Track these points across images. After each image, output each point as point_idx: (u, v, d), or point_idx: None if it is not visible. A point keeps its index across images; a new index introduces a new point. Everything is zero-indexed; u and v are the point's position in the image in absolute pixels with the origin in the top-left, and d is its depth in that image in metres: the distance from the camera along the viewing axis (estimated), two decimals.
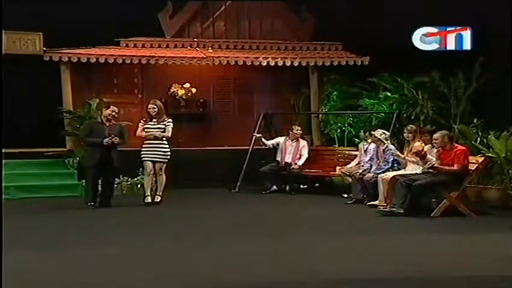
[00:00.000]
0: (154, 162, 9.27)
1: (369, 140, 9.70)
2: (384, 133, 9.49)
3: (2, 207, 7.16)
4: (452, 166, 8.09)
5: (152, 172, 9.29)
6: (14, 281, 4.87)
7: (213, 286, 5.03)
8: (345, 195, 9.77)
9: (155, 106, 9.29)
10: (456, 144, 8.35)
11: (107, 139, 8.72)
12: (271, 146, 11.01)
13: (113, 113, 8.98)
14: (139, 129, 9.30)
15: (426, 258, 5.82)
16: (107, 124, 8.94)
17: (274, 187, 10.74)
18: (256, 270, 5.42)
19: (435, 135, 8.36)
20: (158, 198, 9.31)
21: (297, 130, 10.94)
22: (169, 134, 9.24)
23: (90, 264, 5.62)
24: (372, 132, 9.61)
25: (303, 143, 10.96)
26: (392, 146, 9.38)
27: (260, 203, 9.76)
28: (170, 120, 9.33)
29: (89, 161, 9.03)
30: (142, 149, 9.30)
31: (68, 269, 5.44)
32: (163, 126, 9.22)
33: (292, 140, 10.92)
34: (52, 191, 10.14)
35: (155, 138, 9.18)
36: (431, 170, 8.22)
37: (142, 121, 9.37)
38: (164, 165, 9.30)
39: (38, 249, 6.18)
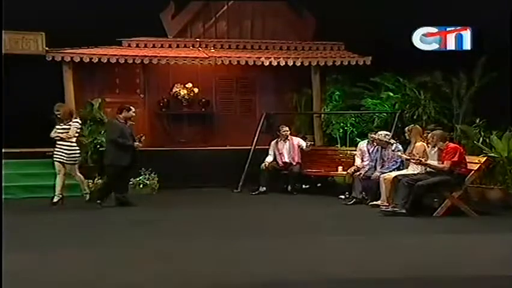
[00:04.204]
0: (62, 164, 9.27)
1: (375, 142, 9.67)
2: (387, 134, 9.47)
3: (2, 207, 7.18)
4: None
5: (61, 172, 9.26)
6: (14, 281, 4.87)
7: (213, 286, 5.03)
8: (347, 196, 9.68)
9: (58, 110, 9.28)
10: (448, 143, 8.34)
11: (138, 142, 8.87)
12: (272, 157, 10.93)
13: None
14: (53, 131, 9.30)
15: (428, 258, 5.82)
16: (127, 125, 9.05)
17: (264, 188, 10.60)
18: (257, 269, 5.42)
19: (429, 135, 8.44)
20: (87, 197, 9.37)
21: (285, 130, 10.92)
22: (71, 134, 9.16)
23: (91, 264, 5.62)
24: (376, 136, 9.56)
25: (296, 139, 10.93)
26: (400, 146, 9.34)
27: (261, 203, 9.75)
28: (76, 120, 9.33)
29: (119, 162, 8.89)
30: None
31: (68, 269, 5.44)
32: (68, 127, 9.20)
33: (284, 141, 10.90)
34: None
35: (62, 139, 9.17)
36: (422, 166, 8.27)
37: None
38: (74, 166, 9.30)
39: (38, 249, 6.18)
